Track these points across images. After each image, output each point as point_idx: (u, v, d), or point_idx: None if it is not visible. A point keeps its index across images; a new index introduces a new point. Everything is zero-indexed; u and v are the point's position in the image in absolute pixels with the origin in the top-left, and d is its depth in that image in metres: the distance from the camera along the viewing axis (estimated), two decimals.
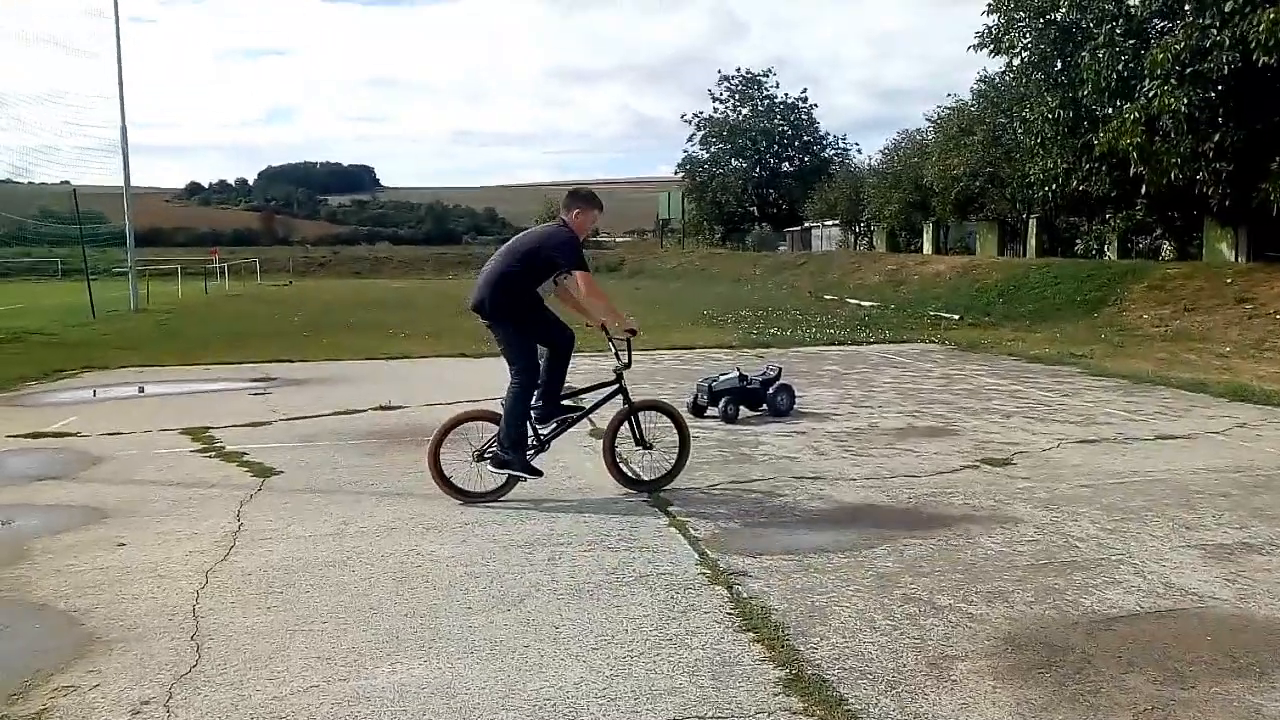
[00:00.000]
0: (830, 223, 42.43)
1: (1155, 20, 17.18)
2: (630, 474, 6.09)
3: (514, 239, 6.05)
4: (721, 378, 8.49)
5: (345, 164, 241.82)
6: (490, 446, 5.77)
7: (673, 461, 6.10)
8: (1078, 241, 26.34)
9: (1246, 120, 15.68)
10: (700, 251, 47.60)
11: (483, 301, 5.69)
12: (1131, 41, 16.66)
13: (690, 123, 53.39)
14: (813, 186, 43.89)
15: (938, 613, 4.03)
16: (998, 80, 26.26)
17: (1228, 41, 14.62)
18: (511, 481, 5.82)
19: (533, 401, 5.82)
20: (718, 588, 4.32)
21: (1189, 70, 15.40)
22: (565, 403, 6.07)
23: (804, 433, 7.89)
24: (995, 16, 19.98)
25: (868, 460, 6.77)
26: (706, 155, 53.76)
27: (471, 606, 4.14)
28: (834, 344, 14.95)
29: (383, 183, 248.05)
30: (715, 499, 5.85)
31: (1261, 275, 15.89)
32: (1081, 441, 7.52)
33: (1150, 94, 15.82)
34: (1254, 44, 14.22)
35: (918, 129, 34.09)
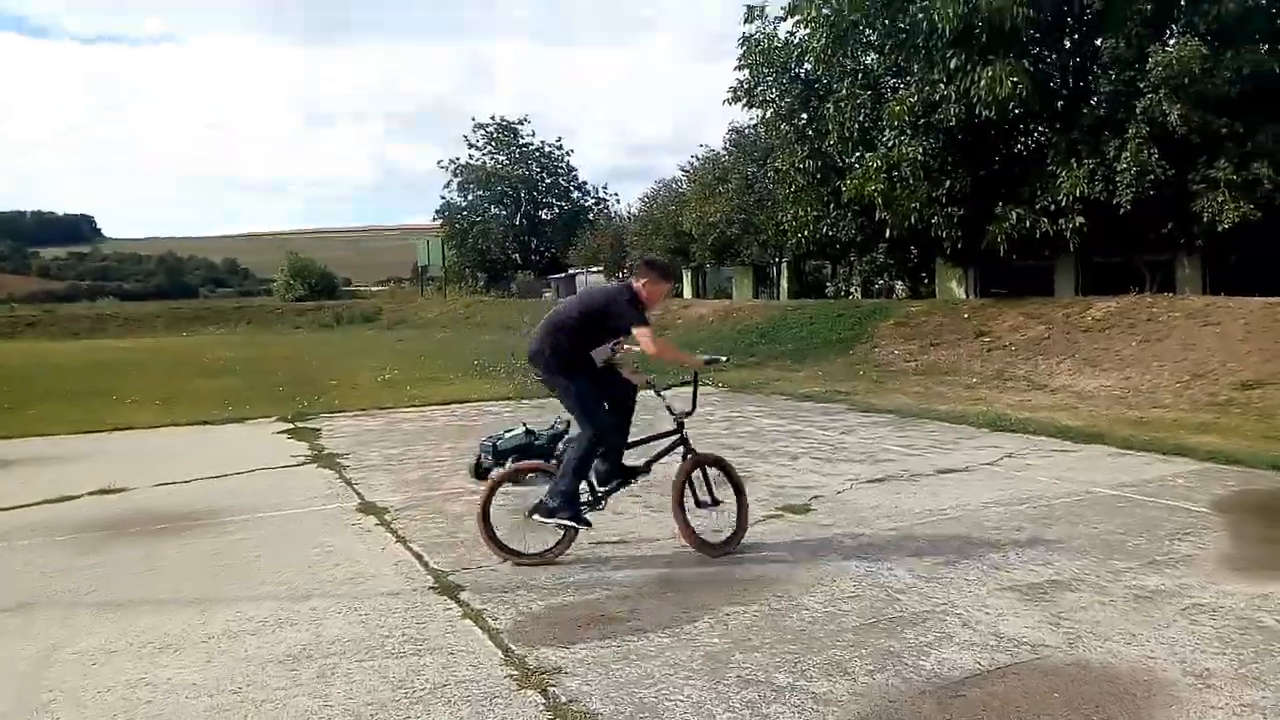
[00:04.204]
0: (595, 269, 42.77)
1: (888, 77, 18.45)
2: (702, 537, 5.53)
3: (584, 292, 5.90)
4: (506, 435, 7.82)
5: (60, 213, 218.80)
6: (543, 500, 5.36)
7: (734, 523, 5.62)
8: (827, 285, 27.90)
9: (973, 167, 17.10)
10: (463, 299, 46.46)
11: (538, 353, 5.45)
12: (869, 93, 17.80)
13: (447, 169, 52.46)
14: (575, 234, 44.14)
15: (780, 696, 3.59)
16: (748, 131, 27.49)
17: (954, 95, 15.89)
18: (568, 538, 5.42)
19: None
20: (530, 693, 3.67)
21: (922, 121, 16.61)
22: (628, 464, 5.66)
23: None
24: (745, 72, 20.82)
25: (669, 517, 6.32)
26: (465, 202, 52.92)
27: None
28: None
29: (105, 233, 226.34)
30: (512, 577, 5.17)
31: (993, 310, 17.27)
32: (871, 481, 7.49)
33: (889, 144, 16.92)
34: (975, 99, 15.52)
35: (674, 178, 35.18)
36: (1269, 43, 14.57)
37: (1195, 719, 3.33)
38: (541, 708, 3.53)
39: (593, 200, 53.16)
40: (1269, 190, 13.86)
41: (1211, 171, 14.33)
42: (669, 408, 5.66)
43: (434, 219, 54.22)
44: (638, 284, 5.51)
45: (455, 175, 52.39)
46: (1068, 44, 17.05)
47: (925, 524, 6.12)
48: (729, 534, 5.60)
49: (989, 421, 10.24)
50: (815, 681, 3.73)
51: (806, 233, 20.89)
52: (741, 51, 20.49)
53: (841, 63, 18.48)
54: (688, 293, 34.55)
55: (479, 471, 7.70)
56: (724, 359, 6.28)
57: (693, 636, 4.23)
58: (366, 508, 6.90)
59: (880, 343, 18.01)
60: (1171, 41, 14.97)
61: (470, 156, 52.45)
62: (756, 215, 26.72)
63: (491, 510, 5.41)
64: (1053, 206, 15.93)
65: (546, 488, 5.43)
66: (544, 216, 53.45)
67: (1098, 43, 15.93)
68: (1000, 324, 16.35)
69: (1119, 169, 14.86)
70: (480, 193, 52.45)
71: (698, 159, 32.01)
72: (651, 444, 5.75)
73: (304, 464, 8.89)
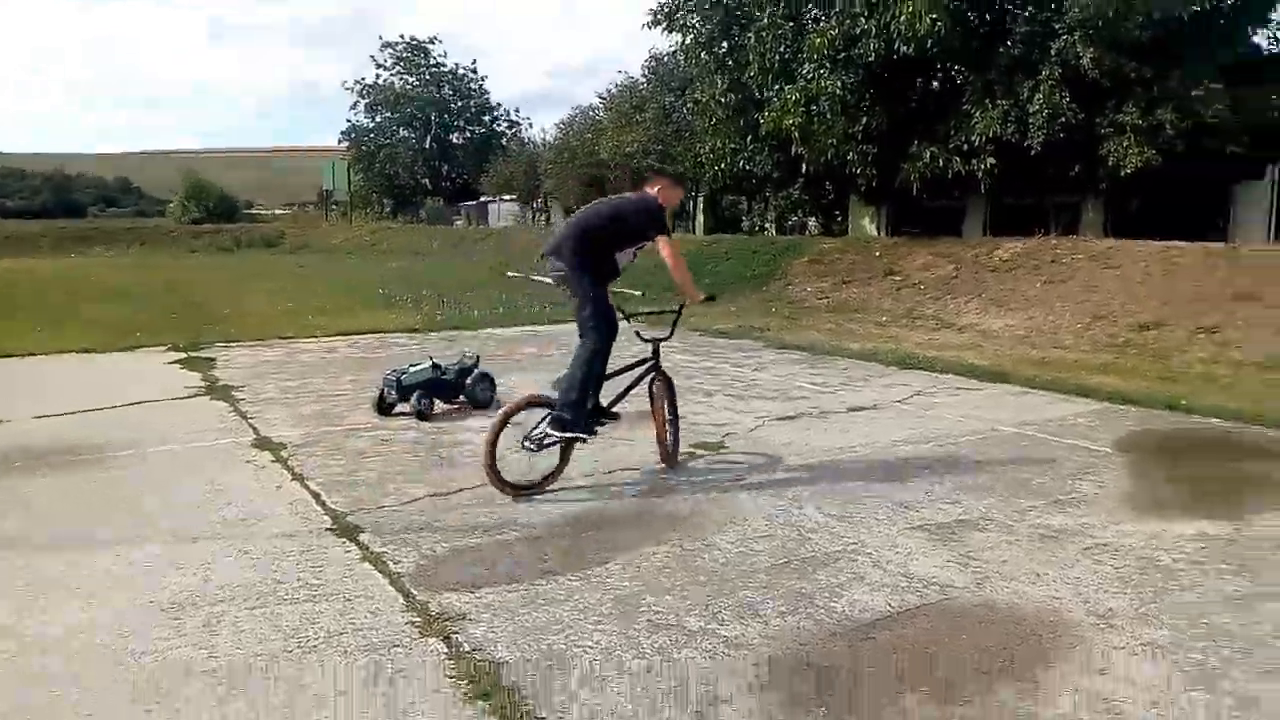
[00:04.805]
0: (508, 198, 41.89)
1: (810, 6, 18.17)
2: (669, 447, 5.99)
3: (599, 202, 5.86)
4: (412, 369, 7.54)
5: None
6: (540, 428, 5.36)
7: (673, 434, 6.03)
8: (743, 220, 27.82)
9: (890, 105, 17.08)
10: (370, 226, 44.96)
11: (560, 248, 5.45)
12: (791, 24, 17.54)
13: (353, 90, 50.36)
14: (487, 160, 43.06)
15: (691, 640, 3.51)
16: (667, 59, 26.98)
17: (874, 30, 15.77)
18: (562, 464, 5.47)
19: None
20: (432, 641, 3.50)
21: (842, 56, 16.46)
22: (604, 404, 5.71)
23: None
24: None
25: (583, 455, 6.17)
26: (372, 125, 50.98)
27: (94, 715, 3.01)
28: (528, 324, 14.35)
29: None
30: (416, 517, 4.97)
31: (904, 249, 17.45)
32: (783, 418, 7.48)
33: (809, 77, 16.76)
34: (895, 34, 15.43)
35: (591, 105, 34.46)
36: None
37: (1098, 659, 3.37)
38: (443, 656, 3.38)
39: (506, 125, 51.84)
40: (1171, 136, 14.18)
41: (1119, 116, 14.60)
42: (638, 333, 5.91)
43: (339, 141, 52.15)
44: (652, 189, 5.72)
45: (362, 97, 50.39)
46: None
47: (836, 462, 6.12)
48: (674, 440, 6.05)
49: (899, 359, 10.36)
50: (727, 625, 3.66)
51: (724, 166, 20.71)
52: None
53: None
54: None
55: (382, 406, 7.43)
56: (715, 297, 6.45)
57: (603, 579, 4.12)
58: (262, 443, 6.57)
59: (794, 280, 18.06)
60: None
61: (378, 77, 50.45)
62: (674, 147, 26.40)
63: (499, 445, 5.21)
64: (966, 147, 16.07)
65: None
66: (455, 141, 51.93)
67: None
68: (911, 263, 16.53)
69: (1032, 111, 15.01)
70: (389, 115, 50.59)
71: (616, 86, 31.41)
72: (628, 373, 5.89)
73: (196, 396, 8.45)
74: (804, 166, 18.16)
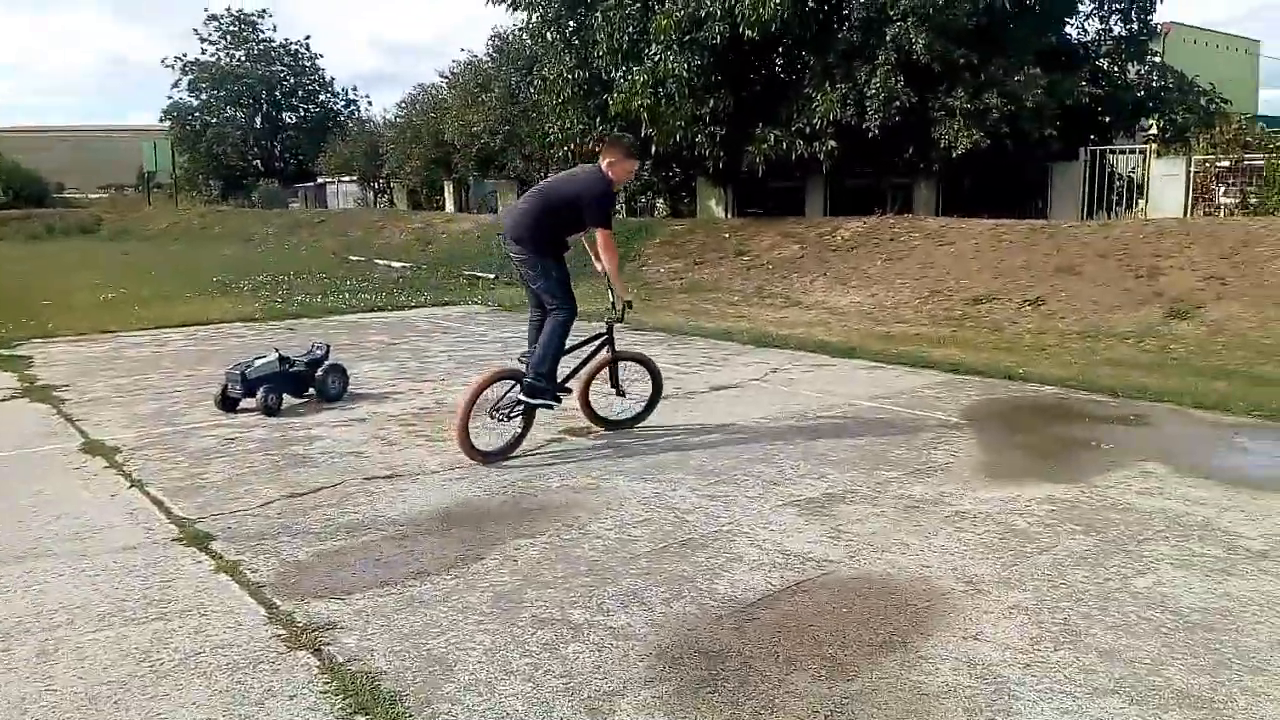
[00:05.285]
0: (347, 179, 40.26)
1: None
2: (600, 414, 6.38)
3: (556, 179, 6.17)
4: (257, 362, 7.10)
5: None
6: (507, 398, 5.75)
7: (644, 405, 6.49)
8: None
9: (736, 87, 17.33)
10: (198, 209, 42.30)
11: (522, 235, 5.71)
12: (638, 4, 17.49)
13: (174, 66, 47.12)
14: (324, 140, 41.21)
15: (577, 634, 3.43)
16: (512, 38, 26.46)
17: (719, 13, 15.93)
18: (524, 431, 5.81)
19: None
20: (302, 654, 3.28)
21: (688, 38, 16.55)
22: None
23: (365, 419, 6.86)
24: None
25: (446, 447, 5.97)
26: (198, 102, 47.84)
27: None
28: (373, 310, 13.82)
29: None
30: (272, 522, 4.66)
31: (752, 230, 17.82)
32: None
33: (656, 58, 16.78)
34: (740, 17, 15.64)
35: (433, 84, 33.48)
36: None
37: (970, 624, 3.49)
38: (316, 670, 3.17)
39: (343, 104, 49.77)
40: (997, 120, 14.99)
41: (949, 100, 15.31)
42: (612, 306, 6.21)
43: (161, 119, 48.73)
44: (604, 163, 5.75)
45: (185, 73, 47.22)
46: None
47: (705, 441, 6.16)
48: (629, 416, 6.44)
49: (754, 338, 10.55)
50: (613, 615, 3.59)
51: (573, 146, 20.52)
52: None
53: None
54: (450, 206, 33.34)
55: (225, 402, 6.97)
56: (632, 304, 6.66)
57: (480, 575, 3.98)
58: (92, 447, 6.04)
59: (648, 261, 18.16)
60: None
61: (203, 51, 47.40)
62: (521, 126, 26.00)
63: (472, 417, 5.54)
64: (808, 129, 16.48)
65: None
66: (289, 120, 49.45)
67: None
68: (759, 243, 16.90)
69: (869, 94, 15.54)
70: (215, 92, 47.62)
71: (459, 64, 30.62)
72: (583, 348, 6.17)
73: (13, 398, 7.71)
74: (653, 148, 18.21)
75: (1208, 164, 15.04)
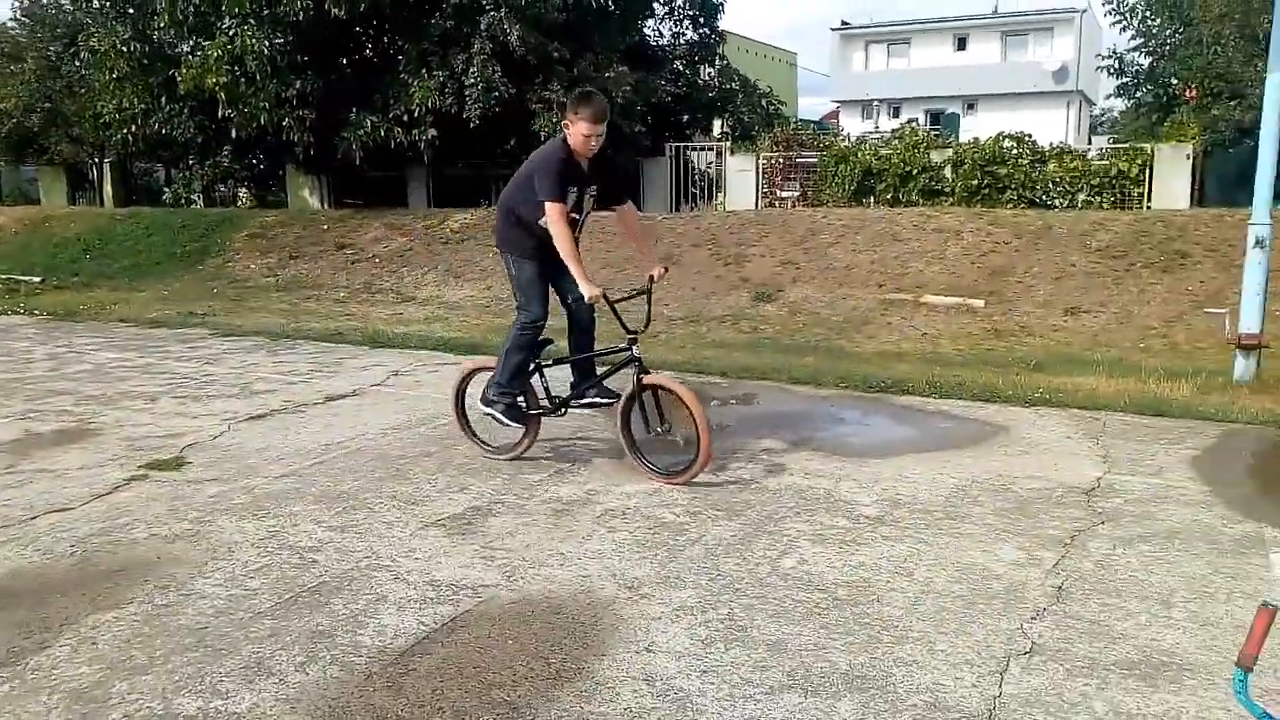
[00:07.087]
0: None
1: None
2: (650, 465, 5.07)
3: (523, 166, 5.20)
4: None
5: None
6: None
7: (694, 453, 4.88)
8: (165, 190, 24.61)
9: (325, 69, 16.19)
10: None
11: (496, 230, 5.36)
12: None
13: None
14: None
15: None
16: (48, 3, 22.58)
17: None
18: (532, 434, 5.38)
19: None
20: None
21: (266, 13, 15.13)
22: (601, 386, 5.28)
23: None
24: None
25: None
26: None
27: None
28: None
29: None
30: None
31: (353, 222, 16.82)
32: (252, 418, 6.56)
33: (231, 33, 15.14)
34: None
35: None
36: None
37: (641, 635, 3.32)
38: None
39: None
40: None
41: (545, 92, 15.55)
42: (623, 324, 5.08)
43: None
44: (568, 130, 4.86)
45: None
46: None
47: (325, 462, 5.48)
48: (688, 461, 4.93)
49: (368, 339, 9.85)
50: (234, 697, 2.93)
51: (134, 128, 18.01)
52: None
53: None
54: None
55: None
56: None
57: (46, 672, 3.08)
58: None
59: (235, 257, 16.46)
60: None
61: None
62: (66, 105, 22.35)
63: (467, 397, 5.37)
64: (406, 116, 15.89)
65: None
66: None
67: None
68: (362, 236, 16.02)
69: (467, 83, 15.31)
70: None
71: None
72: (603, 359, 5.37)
73: None
74: (233, 131, 16.50)
75: (773, 160, 16.76)
